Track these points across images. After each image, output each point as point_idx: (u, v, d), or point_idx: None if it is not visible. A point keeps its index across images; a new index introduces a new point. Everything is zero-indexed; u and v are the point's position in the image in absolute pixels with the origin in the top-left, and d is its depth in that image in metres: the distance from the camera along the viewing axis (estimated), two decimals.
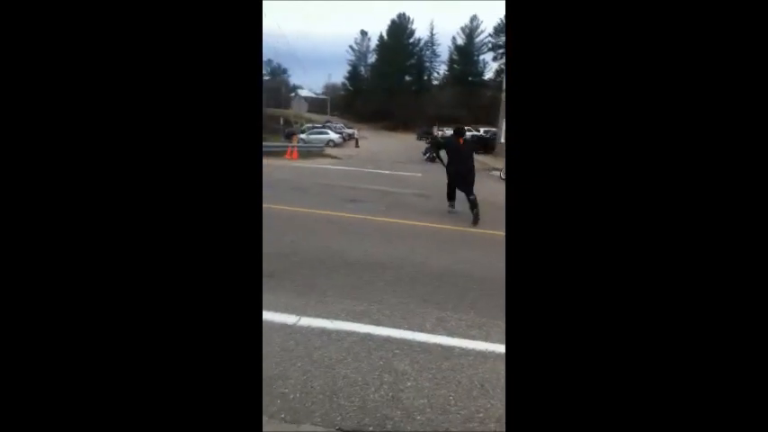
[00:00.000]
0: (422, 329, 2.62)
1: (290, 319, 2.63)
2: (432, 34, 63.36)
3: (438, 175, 8.51)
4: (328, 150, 19.16)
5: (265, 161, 13.61)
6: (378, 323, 2.66)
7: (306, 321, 2.62)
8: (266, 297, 2.91)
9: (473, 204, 5.82)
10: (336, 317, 2.70)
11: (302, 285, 3.18)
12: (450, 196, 6.50)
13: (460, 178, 6.11)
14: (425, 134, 36.54)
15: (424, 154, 16.35)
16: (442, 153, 6.76)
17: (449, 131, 35.40)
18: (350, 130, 32.83)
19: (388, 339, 2.46)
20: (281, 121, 28.94)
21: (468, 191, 5.97)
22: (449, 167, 6.34)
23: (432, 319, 2.76)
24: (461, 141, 6.33)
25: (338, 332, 2.50)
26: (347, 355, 2.26)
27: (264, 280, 3.21)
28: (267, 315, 2.65)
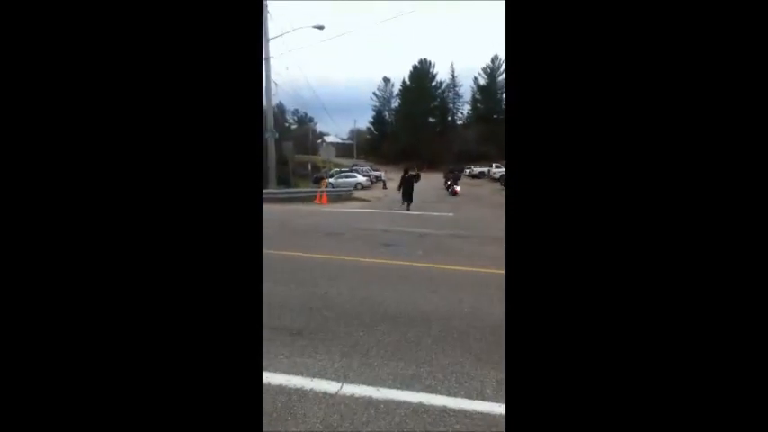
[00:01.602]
0: (482, 396, 2.27)
1: (330, 386, 2.33)
2: (453, 76, 64.88)
3: (471, 214, 8.20)
4: (357, 193, 19.21)
5: (296, 207, 13.71)
6: (431, 390, 2.32)
7: (349, 389, 2.30)
8: (300, 359, 2.64)
9: (409, 204, 12.77)
10: (383, 383, 2.38)
11: (339, 345, 2.89)
12: (404, 200, 13.01)
13: (405, 192, 13.07)
14: (451, 172, 36.65)
15: (447, 188, 21.70)
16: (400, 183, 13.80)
17: (477, 168, 35.80)
18: (376, 173, 33.17)
19: (444, 410, 2.12)
20: (309, 167, 29.57)
21: (409, 199, 12.93)
22: (402, 187, 13.33)
23: (492, 383, 2.40)
24: (407, 175, 13.37)
25: (387, 403, 2.18)
26: None
27: (293, 339, 2.96)
28: (304, 381, 2.36)
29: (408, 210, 12.21)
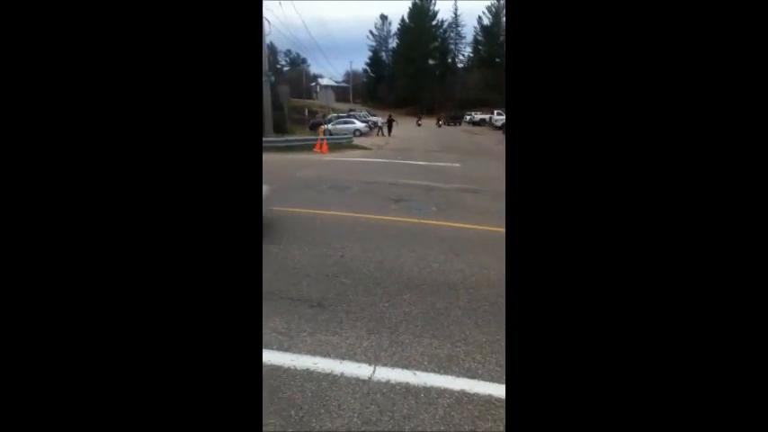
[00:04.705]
0: None
1: (362, 370, 2.13)
2: (456, 15, 61.42)
3: (478, 166, 7.88)
4: (357, 141, 18.61)
5: (296, 156, 13.22)
6: (471, 374, 2.13)
7: (383, 373, 2.11)
8: (325, 337, 2.43)
9: (389, 134, 24.22)
10: (418, 365, 2.19)
11: (365, 319, 2.68)
12: (388, 132, 24.61)
13: (388, 128, 24.96)
14: (453, 119, 36.04)
15: (438, 125, 33.10)
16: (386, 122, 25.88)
17: (479, 115, 35.23)
18: (374, 118, 32.11)
19: (490, 401, 1.93)
20: (306, 112, 28.53)
21: (389, 132, 24.52)
22: (387, 124, 25.55)
23: None
24: (389, 119, 26.06)
25: (427, 390, 1.99)
26: (447, 430, 1.75)
27: (314, 311, 2.75)
28: (332, 364, 2.17)
29: (389, 135, 23.22)
